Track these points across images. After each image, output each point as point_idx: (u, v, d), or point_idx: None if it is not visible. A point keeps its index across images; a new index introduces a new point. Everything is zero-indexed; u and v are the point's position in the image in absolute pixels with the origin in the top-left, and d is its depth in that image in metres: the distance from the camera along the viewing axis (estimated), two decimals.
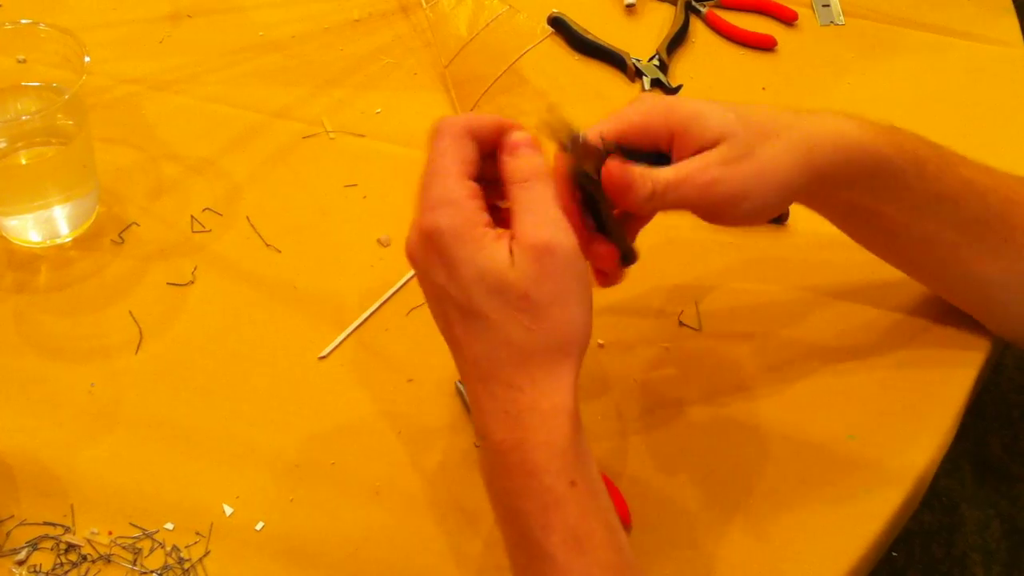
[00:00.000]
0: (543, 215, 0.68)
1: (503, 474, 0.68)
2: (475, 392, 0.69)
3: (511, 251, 0.67)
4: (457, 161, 0.70)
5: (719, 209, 0.77)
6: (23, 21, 0.94)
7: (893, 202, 0.82)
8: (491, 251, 0.67)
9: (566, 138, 0.72)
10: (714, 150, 0.75)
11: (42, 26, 0.94)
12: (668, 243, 0.79)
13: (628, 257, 0.78)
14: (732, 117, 0.75)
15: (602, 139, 0.74)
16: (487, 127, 0.72)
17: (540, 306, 0.67)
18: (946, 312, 0.88)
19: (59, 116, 0.93)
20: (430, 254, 0.69)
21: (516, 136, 0.72)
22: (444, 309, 0.70)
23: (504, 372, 0.67)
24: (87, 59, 0.91)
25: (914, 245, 0.85)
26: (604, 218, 0.75)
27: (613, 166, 0.73)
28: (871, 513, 0.79)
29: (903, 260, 0.87)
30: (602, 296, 0.91)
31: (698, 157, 0.75)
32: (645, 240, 0.80)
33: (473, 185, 0.70)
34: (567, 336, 0.68)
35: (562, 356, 0.68)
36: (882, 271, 0.88)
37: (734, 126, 0.75)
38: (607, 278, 0.79)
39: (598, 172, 0.73)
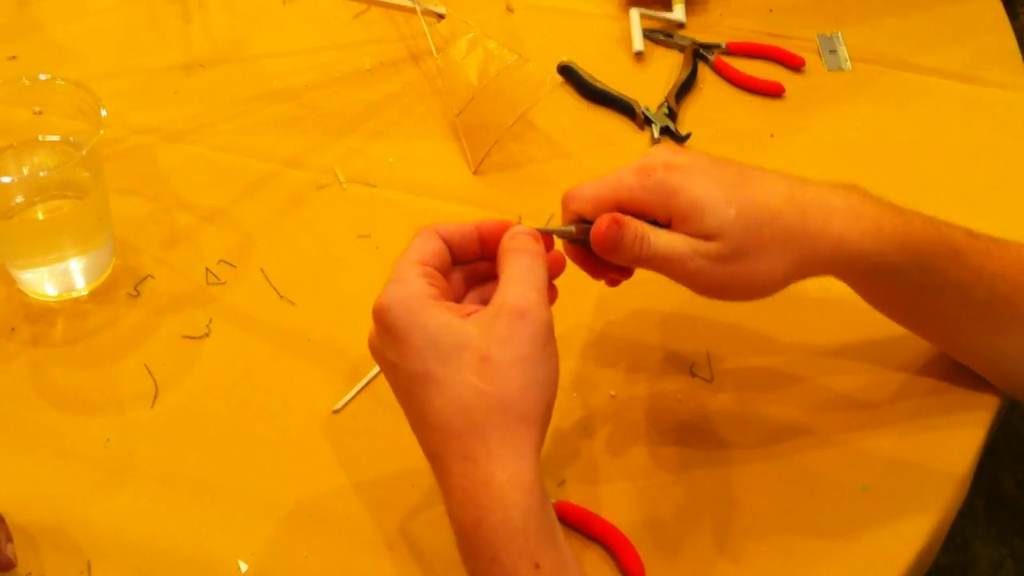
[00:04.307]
0: (528, 284, 0.70)
1: (470, 555, 0.68)
2: (435, 469, 0.69)
3: (485, 313, 0.69)
4: (414, 251, 0.72)
5: (700, 292, 0.79)
6: (41, 77, 0.95)
7: (892, 292, 0.83)
8: (442, 317, 0.68)
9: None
10: (707, 243, 0.75)
11: (59, 81, 0.95)
12: (679, 289, 0.80)
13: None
14: (732, 214, 0.75)
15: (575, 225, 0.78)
16: (463, 231, 0.75)
17: (500, 368, 0.67)
18: (957, 366, 0.89)
19: (76, 170, 0.94)
20: (381, 333, 0.70)
21: (518, 226, 0.75)
22: (400, 386, 0.70)
23: (459, 442, 0.67)
24: (103, 112, 0.92)
25: (919, 320, 0.86)
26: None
27: (605, 225, 0.75)
28: (886, 565, 0.79)
29: (910, 326, 0.87)
30: (614, 345, 0.92)
31: (690, 243, 0.75)
32: (657, 285, 0.80)
33: (427, 268, 0.71)
34: (526, 402, 0.67)
35: (519, 424, 0.67)
36: (895, 324, 0.88)
37: (731, 227, 0.75)
38: (616, 282, 0.82)
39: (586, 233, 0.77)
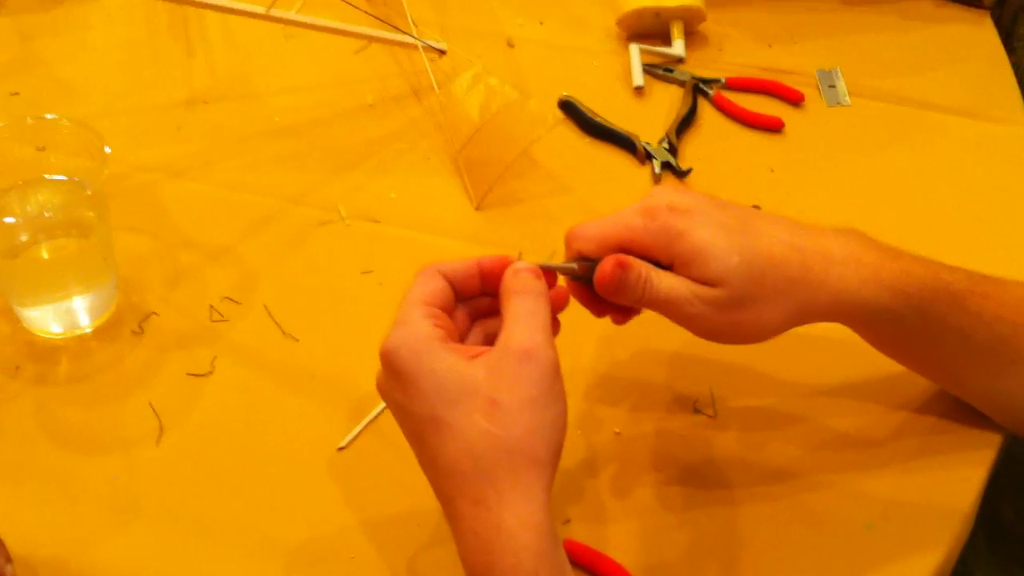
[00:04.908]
0: (533, 325, 0.70)
1: None
2: (447, 513, 0.70)
3: (491, 355, 0.69)
4: (418, 292, 0.72)
5: (699, 335, 0.79)
6: (47, 116, 0.96)
7: (892, 337, 0.84)
8: (449, 360, 0.68)
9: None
10: (709, 289, 0.76)
11: (64, 121, 0.95)
12: (682, 329, 0.80)
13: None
14: (735, 262, 0.75)
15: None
16: (463, 269, 0.75)
17: (509, 411, 0.67)
18: (959, 404, 0.89)
19: (80, 209, 0.94)
20: (389, 376, 0.70)
21: (520, 263, 0.74)
22: (410, 429, 0.70)
23: (470, 486, 0.67)
24: (108, 150, 0.93)
25: (920, 363, 0.87)
26: None
27: (609, 267, 0.76)
28: None
29: (912, 367, 0.88)
30: (619, 382, 0.93)
31: (691, 288, 0.76)
32: (661, 325, 0.80)
33: (432, 309, 0.72)
34: (535, 444, 0.67)
35: (530, 466, 0.67)
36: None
37: (733, 274, 0.75)
38: (622, 320, 0.82)
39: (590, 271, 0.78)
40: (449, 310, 0.74)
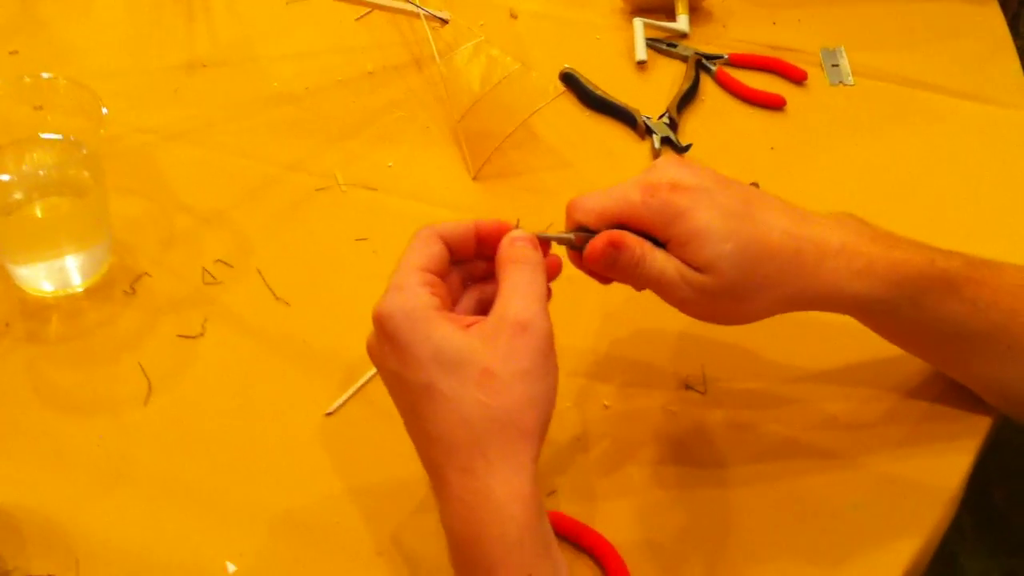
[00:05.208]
0: (530, 296, 0.70)
1: (464, 567, 0.68)
2: (433, 480, 0.69)
3: (487, 325, 0.69)
4: (416, 256, 0.72)
5: (688, 314, 0.79)
6: (44, 75, 0.95)
7: (885, 325, 0.84)
8: (445, 329, 0.68)
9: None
10: (698, 274, 0.75)
11: (61, 80, 0.95)
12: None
13: None
14: (728, 249, 0.75)
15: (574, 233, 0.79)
16: (460, 231, 0.74)
17: (503, 382, 0.67)
18: (950, 387, 0.89)
19: (75, 168, 0.94)
20: (382, 341, 0.70)
21: (517, 232, 0.74)
22: (400, 395, 0.70)
23: (460, 454, 0.67)
24: (105, 111, 0.92)
25: (916, 348, 0.87)
26: None
27: (601, 245, 0.76)
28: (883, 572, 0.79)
29: (908, 351, 0.87)
30: (611, 357, 0.92)
31: (681, 272, 0.76)
32: (654, 302, 0.80)
33: (429, 276, 0.71)
34: (526, 416, 0.67)
35: (519, 437, 0.67)
36: (890, 345, 0.88)
37: (724, 262, 0.75)
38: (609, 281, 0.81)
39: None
40: (444, 274, 0.74)
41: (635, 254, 0.76)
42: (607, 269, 0.77)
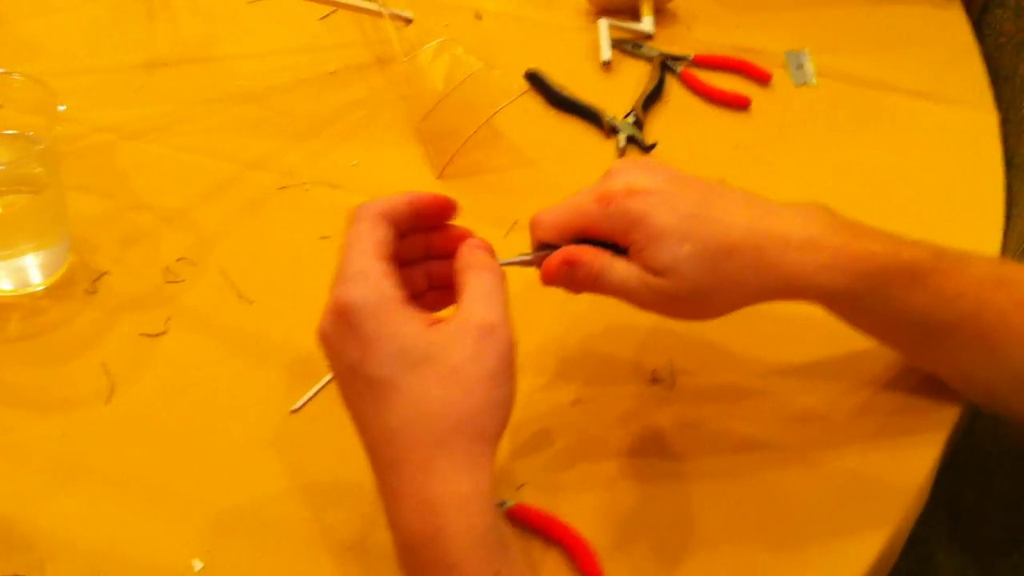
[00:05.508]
0: (493, 301, 0.70)
1: (420, 571, 0.66)
2: (387, 478, 0.68)
3: (451, 326, 0.68)
4: (372, 242, 0.70)
5: (654, 313, 0.79)
6: (3, 71, 0.94)
7: (851, 316, 0.83)
8: (413, 326, 0.67)
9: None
10: (658, 279, 0.75)
11: (16, 76, 0.93)
12: None
13: None
14: (685, 252, 0.75)
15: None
16: (401, 209, 0.73)
17: (469, 382, 0.66)
18: (917, 381, 0.89)
19: (31, 165, 0.93)
20: (342, 331, 0.68)
21: (474, 240, 0.75)
22: (357, 389, 0.68)
23: (419, 452, 0.66)
24: (62, 108, 0.91)
25: (884, 339, 0.86)
26: None
27: (555, 264, 0.77)
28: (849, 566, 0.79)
29: (878, 340, 0.87)
30: (578, 352, 0.92)
31: (642, 278, 0.76)
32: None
33: (388, 265, 0.70)
34: (486, 419, 0.67)
35: (481, 438, 0.67)
36: (858, 337, 0.88)
37: (684, 265, 0.75)
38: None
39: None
40: (392, 257, 0.72)
41: (592, 269, 0.76)
42: (567, 286, 0.78)
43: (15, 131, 0.95)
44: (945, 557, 1.41)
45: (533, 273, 0.79)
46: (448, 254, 0.75)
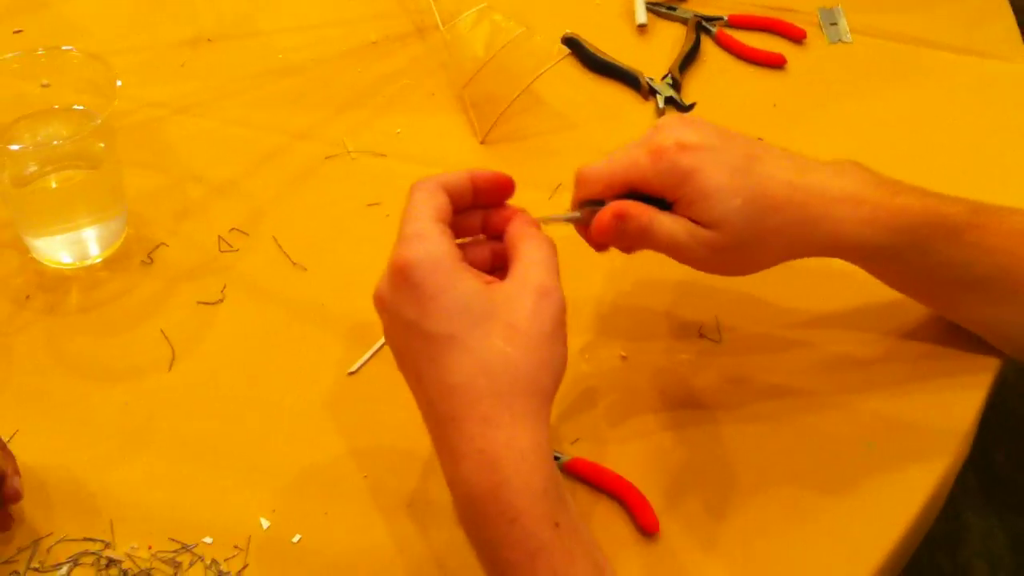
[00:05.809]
0: (548, 267, 0.71)
1: (482, 524, 0.67)
2: (446, 434, 0.68)
3: (508, 285, 0.70)
4: (430, 207, 0.71)
5: (697, 269, 0.81)
6: (64, 48, 0.96)
7: (890, 271, 0.85)
8: (472, 282, 0.69)
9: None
10: (707, 231, 0.77)
11: (73, 51, 0.96)
12: None
13: None
14: (736, 204, 0.76)
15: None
16: (461, 182, 0.74)
17: (528, 339, 0.68)
18: (959, 329, 0.90)
19: (88, 140, 0.95)
20: (401, 290, 0.69)
21: (526, 215, 0.76)
22: (415, 346, 0.69)
23: (481, 406, 0.67)
24: (119, 83, 0.93)
25: (921, 294, 0.88)
26: None
27: (608, 218, 0.78)
28: (892, 518, 0.80)
29: (913, 297, 0.89)
30: (624, 312, 0.93)
31: (690, 231, 0.77)
32: (663, 256, 0.81)
33: (447, 228, 0.71)
34: (545, 376, 0.69)
35: (539, 394, 0.68)
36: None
37: (734, 217, 0.76)
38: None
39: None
40: (450, 225, 0.74)
41: (641, 222, 0.77)
42: (616, 241, 0.79)
43: (76, 106, 0.97)
44: (974, 517, 1.42)
45: (573, 238, 0.81)
46: (503, 234, 0.76)
